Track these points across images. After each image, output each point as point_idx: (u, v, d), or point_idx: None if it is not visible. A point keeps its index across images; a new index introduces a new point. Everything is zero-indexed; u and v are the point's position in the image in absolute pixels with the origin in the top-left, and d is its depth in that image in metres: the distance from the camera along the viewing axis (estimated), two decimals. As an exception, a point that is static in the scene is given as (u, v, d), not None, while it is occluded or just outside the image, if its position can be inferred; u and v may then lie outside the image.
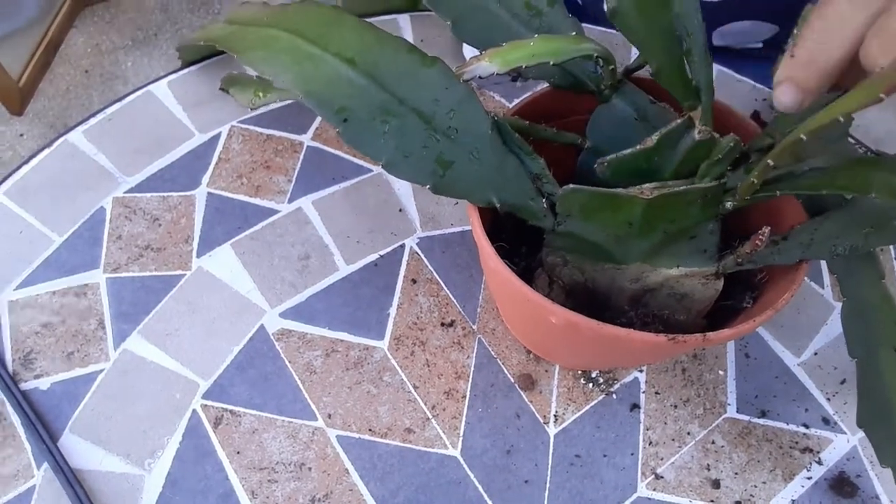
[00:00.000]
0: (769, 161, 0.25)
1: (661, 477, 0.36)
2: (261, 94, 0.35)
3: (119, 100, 0.47)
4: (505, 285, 0.30)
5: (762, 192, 0.28)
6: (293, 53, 0.28)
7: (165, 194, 0.43)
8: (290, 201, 0.44)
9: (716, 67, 0.52)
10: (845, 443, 0.37)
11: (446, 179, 0.28)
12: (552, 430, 0.37)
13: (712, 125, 0.29)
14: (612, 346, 0.31)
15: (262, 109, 0.48)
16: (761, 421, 0.38)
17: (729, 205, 0.28)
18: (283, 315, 0.39)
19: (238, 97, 0.37)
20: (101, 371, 0.37)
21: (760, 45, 0.60)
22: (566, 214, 0.29)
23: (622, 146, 0.30)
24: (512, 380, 0.38)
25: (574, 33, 0.31)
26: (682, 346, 0.27)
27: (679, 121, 0.28)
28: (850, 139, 0.46)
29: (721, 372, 0.39)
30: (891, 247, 0.45)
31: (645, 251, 0.30)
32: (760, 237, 0.27)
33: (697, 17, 0.30)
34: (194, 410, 0.36)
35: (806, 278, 0.43)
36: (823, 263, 0.44)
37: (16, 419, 0.35)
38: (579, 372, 0.38)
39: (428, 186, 0.27)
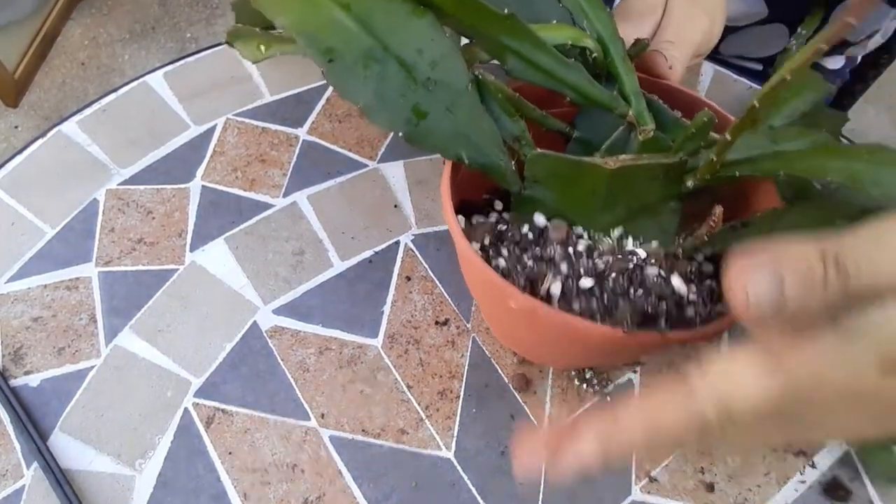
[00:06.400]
0: (727, 135, 0.25)
1: (656, 480, 0.35)
2: (262, 48, 0.35)
3: (114, 90, 0.46)
4: (468, 265, 0.30)
5: (722, 171, 0.28)
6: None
7: (159, 187, 0.43)
8: (284, 196, 0.43)
9: (712, 68, 0.52)
10: (839, 447, 0.37)
11: (420, 129, 0.28)
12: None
13: (653, 122, 0.30)
14: (571, 338, 0.30)
15: (258, 102, 0.47)
16: (757, 424, 0.37)
17: (690, 183, 0.29)
18: (277, 312, 0.39)
19: (242, 50, 0.37)
20: (92, 367, 0.36)
21: (760, 66, 0.60)
22: (533, 179, 0.29)
23: (608, 137, 0.30)
24: (506, 380, 0.37)
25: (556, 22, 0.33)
26: (637, 341, 0.27)
27: (620, 129, 0.30)
28: (845, 140, 0.46)
29: (717, 374, 0.39)
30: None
31: (608, 226, 0.30)
32: (714, 218, 0.27)
33: (613, 26, 0.32)
34: (186, 409, 0.36)
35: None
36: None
37: (5, 417, 0.35)
38: (573, 373, 0.38)
39: (401, 134, 0.28)
